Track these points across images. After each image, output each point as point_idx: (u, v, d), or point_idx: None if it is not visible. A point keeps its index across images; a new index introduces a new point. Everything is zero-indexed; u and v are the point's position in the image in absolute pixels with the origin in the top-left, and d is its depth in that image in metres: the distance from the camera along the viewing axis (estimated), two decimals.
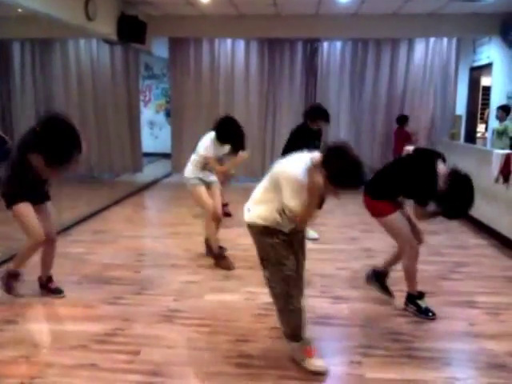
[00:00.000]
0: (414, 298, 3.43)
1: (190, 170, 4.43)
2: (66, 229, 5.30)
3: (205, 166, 4.38)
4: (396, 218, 3.32)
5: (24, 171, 3.26)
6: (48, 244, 3.51)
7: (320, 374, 2.65)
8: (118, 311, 3.41)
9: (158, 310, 3.42)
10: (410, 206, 3.33)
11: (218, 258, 4.38)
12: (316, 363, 2.70)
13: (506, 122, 7.12)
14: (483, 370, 2.73)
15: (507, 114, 7.18)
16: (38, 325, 3.25)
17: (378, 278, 3.63)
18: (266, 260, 2.72)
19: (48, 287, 3.64)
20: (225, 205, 6.49)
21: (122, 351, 2.86)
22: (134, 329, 3.15)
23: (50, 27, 7.10)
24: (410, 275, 3.41)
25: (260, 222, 2.69)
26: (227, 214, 6.27)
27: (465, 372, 2.75)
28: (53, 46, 8.87)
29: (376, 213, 3.38)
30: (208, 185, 4.45)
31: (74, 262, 4.36)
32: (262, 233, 2.70)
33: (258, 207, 2.74)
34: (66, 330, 3.16)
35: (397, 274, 3.64)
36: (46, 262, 3.62)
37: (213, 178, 4.50)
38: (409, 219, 3.39)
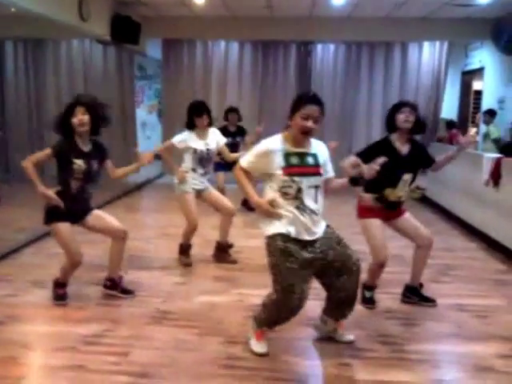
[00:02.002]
0: (366, 287, 3.56)
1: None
2: None
3: (193, 168, 4.31)
4: (373, 224, 3.38)
5: (68, 185, 3.31)
6: (119, 241, 3.54)
7: (263, 356, 2.81)
8: (107, 312, 3.40)
9: (147, 312, 3.41)
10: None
11: (221, 251, 4.49)
12: (257, 346, 2.84)
13: (490, 126, 7.21)
14: (471, 372, 2.74)
15: (493, 117, 7.26)
16: (26, 326, 3.22)
17: (413, 291, 3.66)
18: (277, 284, 2.67)
19: (122, 287, 3.65)
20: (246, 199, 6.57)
21: (111, 352, 2.85)
22: (123, 330, 3.14)
23: (43, 27, 7.08)
24: (372, 274, 3.54)
25: (277, 231, 2.64)
26: (252, 209, 6.38)
27: (453, 374, 2.76)
28: (46, 46, 8.83)
29: (359, 214, 3.47)
30: (199, 193, 4.37)
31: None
32: (280, 253, 2.62)
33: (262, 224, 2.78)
34: (54, 331, 3.14)
35: (385, 276, 3.65)
36: (117, 260, 3.63)
37: (206, 184, 4.42)
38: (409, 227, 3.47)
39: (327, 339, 3.06)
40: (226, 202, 4.42)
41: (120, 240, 3.57)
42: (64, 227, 3.35)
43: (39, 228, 5.18)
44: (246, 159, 2.74)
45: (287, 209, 2.63)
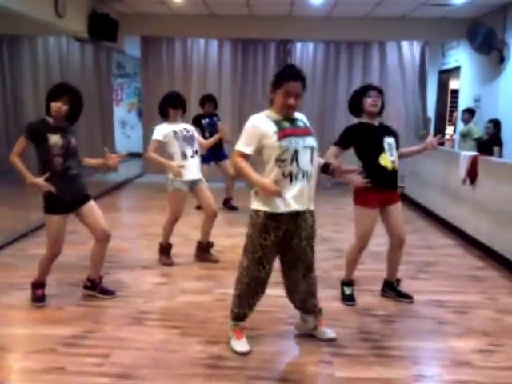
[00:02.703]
0: (344, 283, 3.66)
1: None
2: (34, 230, 5.20)
3: (184, 151, 4.24)
4: (369, 214, 3.42)
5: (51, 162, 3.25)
6: (101, 242, 3.50)
7: (244, 354, 2.83)
8: (88, 313, 3.36)
9: (128, 312, 3.38)
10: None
11: (203, 250, 4.48)
12: (237, 345, 2.87)
13: (470, 125, 7.32)
14: (449, 367, 2.79)
15: (472, 116, 7.38)
16: (3, 328, 3.16)
17: (390, 287, 3.73)
18: (249, 253, 2.77)
19: (101, 287, 3.61)
20: (229, 199, 6.53)
21: (92, 354, 2.82)
22: (104, 331, 3.11)
23: (18, 23, 6.95)
24: (349, 264, 3.62)
25: (262, 208, 2.68)
26: (233, 207, 6.40)
27: (431, 370, 2.81)
28: (21, 42, 8.66)
29: (356, 200, 3.50)
30: (192, 184, 4.32)
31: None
32: (259, 229, 2.69)
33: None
34: (33, 333, 3.09)
35: (365, 274, 3.69)
36: (99, 261, 3.59)
37: (198, 175, 4.34)
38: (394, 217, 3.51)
39: (308, 337, 3.08)
40: (212, 202, 4.40)
41: (102, 241, 3.53)
42: (57, 222, 3.33)
43: (16, 229, 5.11)
44: (240, 143, 2.69)
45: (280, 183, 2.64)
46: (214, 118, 6.44)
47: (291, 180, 2.65)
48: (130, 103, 12.45)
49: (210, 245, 4.52)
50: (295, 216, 2.72)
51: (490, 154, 6.27)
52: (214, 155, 6.24)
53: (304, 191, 2.69)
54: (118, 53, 9.50)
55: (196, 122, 6.19)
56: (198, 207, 6.08)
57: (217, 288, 3.87)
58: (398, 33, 8.33)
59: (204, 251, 4.49)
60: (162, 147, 4.33)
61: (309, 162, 2.68)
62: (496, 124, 6.88)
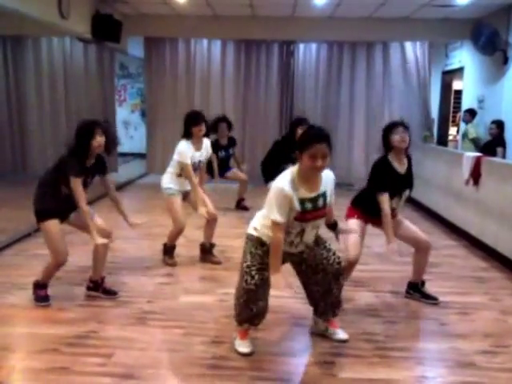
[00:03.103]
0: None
1: (167, 178, 4.36)
2: (37, 230, 5.20)
3: (180, 174, 4.28)
4: (356, 225, 3.47)
5: (59, 189, 3.35)
6: (105, 238, 3.49)
7: (247, 355, 2.84)
8: (91, 313, 3.37)
9: (131, 312, 3.39)
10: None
11: (206, 252, 4.49)
12: (240, 346, 2.87)
13: (468, 126, 7.32)
14: (453, 368, 2.78)
15: (473, 117, 7.37)
16: (7, 328, 3.17)
17: (414, 288, 3.71)
18: (241, 262, 2.83)
19: (104, 288, 3.62)
20: (241, 200, 6.58)
21: (95, 354, 2.82)
22: (107, 331, 3.11)
23: (22, 24, 6.97)
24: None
25: (253, 232, 2.78)
26: (244, 208, 6.54)
27: (435, 371, 2.80)
28: (25, 43, 8.71)
29: (346, 216, 3.59)
30: (186, 194, 4.37)
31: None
32: (254, 240, 2.78)
33: (255, 220, 2.84)
34: (36, 332, 3.10)
35: (369, 274, 3.68)
36: (100, 262, 3.60)
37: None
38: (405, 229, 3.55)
39: (311, 337, 3.08)
40: (210, 207, 4.36)
41: (107, 237, 3.52)
42: (54, 226, 3.35)
43: (19, 229, 5.12)
44: (275, 215, 2.58)
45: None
46: (230, 151, 6.58)
47: (291, 246, 2.77)
48: (133, 104, 12.47)
49: (211, 246, 4.52)
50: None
51: (494, 154, 6.25)
52: (221, 174, 6.54)
53: (304, 245, 2.83)
54: (122, 53, 9.51)
55: (213, 150, 6.27)
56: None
57: (220, 288, 3.87)
58: (401, 33, 8.32)
59: (207, 253, 4.49)
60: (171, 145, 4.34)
61: (313, 237, 2.82)
62: (499, 125, 6.86)
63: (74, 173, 3.27)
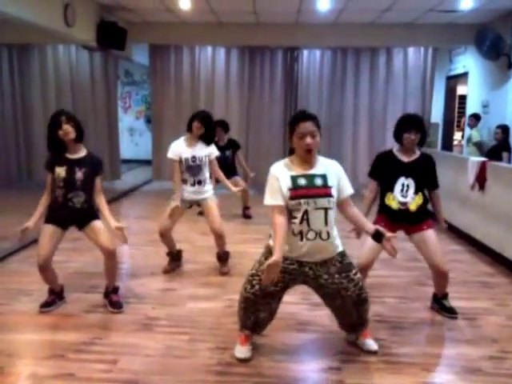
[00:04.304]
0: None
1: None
2: None
3: (185, 179, 4.23)
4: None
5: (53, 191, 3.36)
6: (107, 258, 3.46)
7: (243, 361, 2.83)
8: (96, 320, 3.37)
9: (136, 319, 3.39)
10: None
11: (219, 260, 4.42)
12: (238, 352, 2.87)
13: (473, 130, 7.32)
14: (460, 374, 2.77)
15: (477, 121, 7.36)
16: (13, 334, 3.18)
17: (435, 300, 3.66)
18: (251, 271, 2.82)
19: (109, 298, 3.57)
20: (247, 208, 6.54)
21: (100, 360, 2.82)
22: (113, 338, 3.12)
23: (28, 32, 7.04)
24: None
25: (269, 240, 2.73)
26: (248, 216, 6.50)
27: (442, 377, 2.79)
28: (31, 51, 8.78)
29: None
30: (196, 203, 4.33)
31: None
32: (266, 250, 2.76)
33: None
34: (42, 339, 3.11)
35: (375, 280, 3.67)
36: (107, 274, 3.57)
37: (204, 195, 4.29)
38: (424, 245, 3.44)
39: (317, 344, 3.08)
40: (215, 223, 4.27)
41: (108, 257, 3.48)
42: (46, 229, 3.37)
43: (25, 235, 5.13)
44: (268, 197, 2.62)
45: (288, 240, 2.62)
46: (227, 153, 6.47)
47: (301, 239, 2.61)
48: (138, 110, 12.53)
49: (225, 255, 4.43)
50: (310, 264, 2.70)
51: (499, 159, 6.24)
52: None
53: (316, 250, 2.64)
54: (126, 61, 9.58)
55: None
56: (200, 213, 6.08)
57: (225, 294, 3.86)
58: (405, 39, 8.33)
59: (220, 260, 4.42)
60: (159, 160, 4.33)
61: (322, 222, 2.59)
62: (505, 129, 6.84)
63: (44, 165, 3.37)
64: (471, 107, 8.44)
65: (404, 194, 3.40)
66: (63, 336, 3.12)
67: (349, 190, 2.72)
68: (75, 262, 4.53)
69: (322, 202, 2.58)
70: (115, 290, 3.62)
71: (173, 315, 3.47)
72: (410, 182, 3.39)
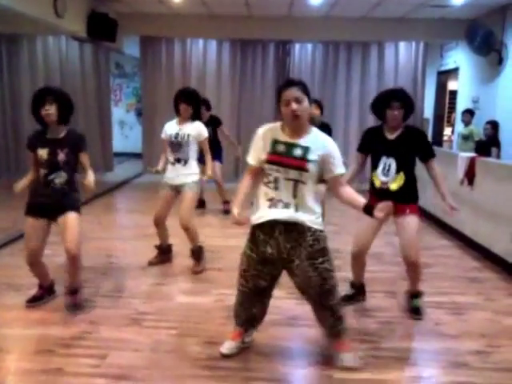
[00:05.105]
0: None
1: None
2: None
3: (174, 161, 4.20)
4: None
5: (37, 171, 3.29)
6: (68, 259, 3.34)
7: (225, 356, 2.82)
8: (85, 314, 3.36)
9: (126, 313, 3.38)
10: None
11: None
12: (226, 346, 2.87)
13: (471, 127, 7.33)
14: (446, 368, 2.80)
15: (472, 117, 7.39)
16: (2, 329, 3.16)
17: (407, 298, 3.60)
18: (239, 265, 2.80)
19: (66, 297, 3.46)
20: (226, 202, 6.49)
21: (89, 355, 2.82)
22: (102, 332, 3.11)
23: (17, 23, 6.96)
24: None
25: (252, 217, 2.66)
26: (227, 211, 6.40)
27: (429, 371, 2.81)
28: (20, 42, 8.68)
29: None
30: (175, 189, 4.23)
31: None
32: (249, 238, 2.71)
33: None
34: (30, 334, 3.09)
35: (365, 275, 3.69)
36: (68, 274, 3.43)
37: (182, 179, 4.20)
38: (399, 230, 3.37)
39: (305, 339, 3.09)
40: (181, 212, 4.19)
41: (69, 261, 3.34)
42: (29, 223, 3.31)
43: (16, 228, 5.11)
44: (248, 158, 2.69)
45: (260, 203, 2.63)
46: (208, 129, 6.41)
47: (270, 206, 2.58)
48: (128, 103, 12.44)
49: (198, 250, 4.36)
50: (285, 229, 2.58)
51: (488, 155, 6.28)
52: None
53: (283, 218, 2.57)
54: (117, 52, 9.50)
55: None
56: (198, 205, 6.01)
57: (214, 289, 3.87)
58: (396, 33, 8.35)
59: (192, 257, 4.36)
60: (150, 153, 4.33)
61: (291, 195, 2.54)
62: (494, 125, 6.89)
63: (26, 144, 3.33)
64: (462, 103, 8.47)
65: (385, 173, 3.31)
66: (52, 331, 3.11)
67: (339, 169, 2.61)
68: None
69: (293, 173, 2.52)
70: (74, 291, 3.43)
71: (162, 310, 3.47)
72: (392, 161, 3.29)
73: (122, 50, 8.91)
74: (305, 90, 2.54)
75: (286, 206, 2.56)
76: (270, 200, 2.59)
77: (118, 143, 11.03)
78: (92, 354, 2.83)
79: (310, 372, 2.74)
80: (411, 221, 3.33)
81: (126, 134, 12.34)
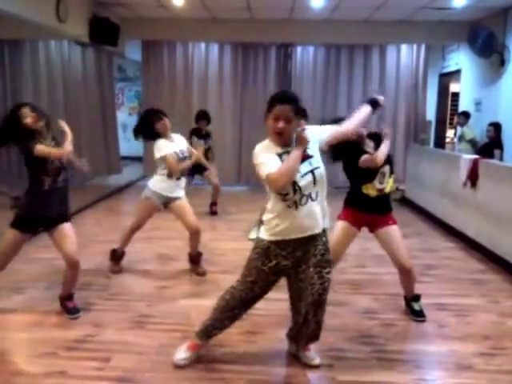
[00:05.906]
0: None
1: (152, 181, 4.26)
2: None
3: (169, 174, 4.14)
4: (339, 226, 3.40)
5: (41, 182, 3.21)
6: (70, 268, 3.34)
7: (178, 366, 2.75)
8: (89, 317, 3.36)
9: (129, 316, 3.38)
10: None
11: (193, 262, 4.35)
12: (176, 354, 2.80)
13: (464, 128, 7.36)
14: (451, 371, 2.79)
15: (467, 119, 7.40)
16: (4, 332, 3.16)
17: (406, 302, 3.58)
18: (242, 276, 2.71)
19: (64, 304, 3.44)
20: (214, 204, 6.54)
21: (93, 358, 2.82)
22: (105, 335, 3.11)
23: (19, 27, 6.98)
24: None
25: (268, 237, 2.58)
26: (214, 212, 6.55)
27: (433, 374, 2.80)
28: (23, 46, 8.70)
29: (339, 216, 3.47)
30: (167, 201, 4.18)
31: (44, 268, 4.28)
32: (260, 252, 2.60)
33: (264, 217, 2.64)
34: (34, 337, 3.09)
35: (367, 277, 3.69)
36: (65, 283, 3.43)
37: (180, 192, 4.23)
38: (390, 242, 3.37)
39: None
40: (189, 218, 4.20)
41: (70, 267, 3.34)
42: (14, 236, 3.25)
43: None
44: (267, 168, 2.42)
45: (279, 213, 2.53)
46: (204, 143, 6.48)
47: (296, 207, 2.50)
48: (131, 107, 12.47)
49: (198, 254, 4.37)
50: (305, 240, 2.56)
51: (491, 157, 6.27)
52: (197, 169, 6.08)
53: (312, 213, 2.52)
54: (119, 57, 9.52)
55: (194, 134, 6.51)
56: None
57: (218, 291, 3.80)
58: (398, 36, 8.34)
59: (193, 263, 4.36)
60: (151, 156, 4.25)
61: (311, 184, 2.50)
62: (497, 127, 6.88)
63: (32, 146, 3.13)
64: (464, 105, 8.46)
65: (381, 181, 3.34)
66: (55, 334, 3.11)
67: (330, 129, 2.65)
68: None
69: (305, 166, 2.48)
70: (70, 297, 3.45)
71: (166, 312, 3.47)
72: (387, 168, 3.35)
73: (123, 54, 8.92)
74: (297, 110, 2.48)
75: (309, 196, 2.52)
76: (294, 204, 2.49)
77: (121, 146, 11.01)
78: (96, 357, 2.82)
79: (315, 374, 2.73)
80: (395, 230, 3.38)
81: (128, 138, 12.34)
